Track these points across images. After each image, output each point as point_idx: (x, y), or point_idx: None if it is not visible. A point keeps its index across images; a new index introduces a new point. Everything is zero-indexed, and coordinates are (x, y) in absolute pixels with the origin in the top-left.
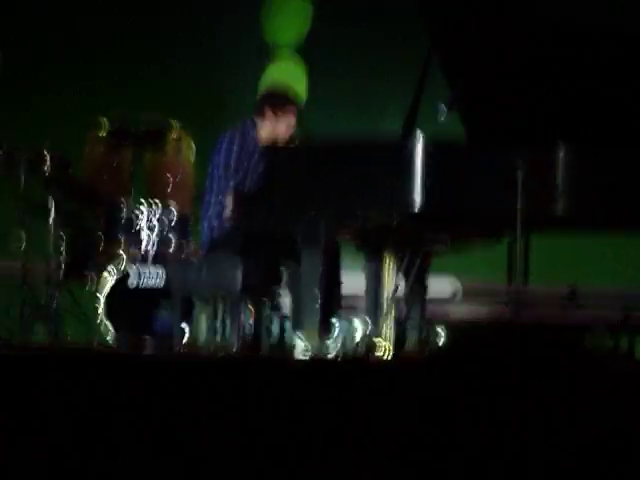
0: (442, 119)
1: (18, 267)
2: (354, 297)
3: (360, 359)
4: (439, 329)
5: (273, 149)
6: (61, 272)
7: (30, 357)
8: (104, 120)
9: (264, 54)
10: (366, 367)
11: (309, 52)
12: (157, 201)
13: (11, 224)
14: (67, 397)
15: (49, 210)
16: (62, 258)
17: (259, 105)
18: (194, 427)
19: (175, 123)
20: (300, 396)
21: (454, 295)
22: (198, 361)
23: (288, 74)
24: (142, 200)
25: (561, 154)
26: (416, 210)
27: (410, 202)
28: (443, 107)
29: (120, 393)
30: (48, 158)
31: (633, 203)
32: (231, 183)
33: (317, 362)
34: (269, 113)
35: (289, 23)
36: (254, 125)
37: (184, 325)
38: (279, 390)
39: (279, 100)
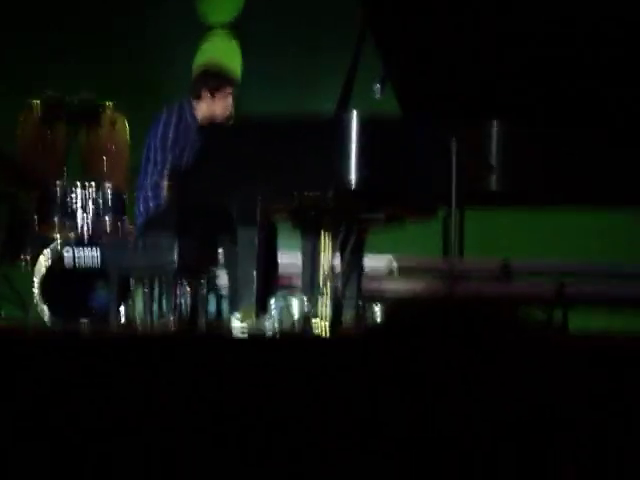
0: (377, 97)
1: None
2: (291, 276)
3: (297, 335)
4: (375, 305)
5: (208, 126)
6: None
7: None
8: (38, 99)
9: (198, 33)
10: (303, 343)
11: (243, 29)
12: (92, 181)
13: None
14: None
15: None
16: None
17: (195, 86)
18: (135, 406)
19: (109, 103)
20: (238, 373)
21: (390, 271)
22: (135, 339)
23: (222, 53)
24: (77, 180)
25: (495, 128)
26: (351, 186)
27: (345, 178)
28: (378, 86)
29: (59, 374)
30: None
31: (566, 179)
32: (168, 157)
33: (255, 338)
34: (205, 94)
35: (222, 1)
36: (191, 105)
37: (120, 306)
38: (217, 367)
39: (215, 80)
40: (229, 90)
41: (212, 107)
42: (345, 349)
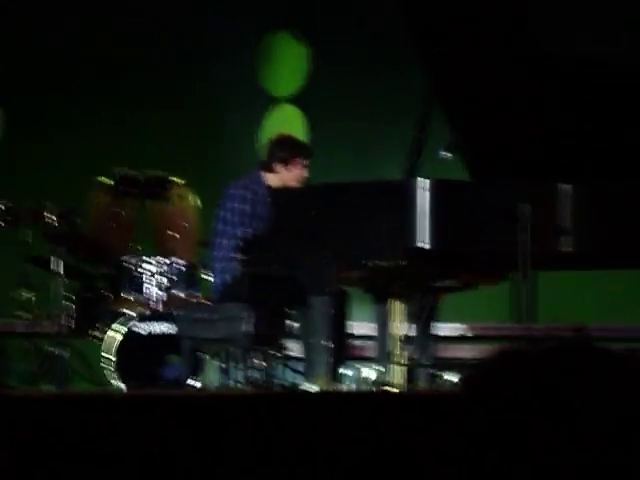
0: (445, 160)
1: (26, 323)
2: (363, 344)
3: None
4: (450, 371)
5: (279, 191)
6: (68, 328)
7: (40, 403)
8: (110, 176)
9: (262, 104)
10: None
11: (307, 97)
12: (163, 255)
13: (18, 280)
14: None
15: (55, 265)
16: (69, 314)
17: (268, 157)
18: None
19: (178, 179)
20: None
21: (461, 337)
22: (213, 400)
23: (288, 125)
24: (148, 255)
25: (565, 189)
26: (423, 252)
27: (417, 243)
28: (445, 153)
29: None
30: (53, 212)
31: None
32: (241, 229)
33: (331, 395)
34: (279, 165)
35: (287, 72)
36: (262, 177)
37: (193, 381)
38: (296, 424)
39: (289, 152)
40: (303, 162)
41: (285, 178)
42: (426, 407)
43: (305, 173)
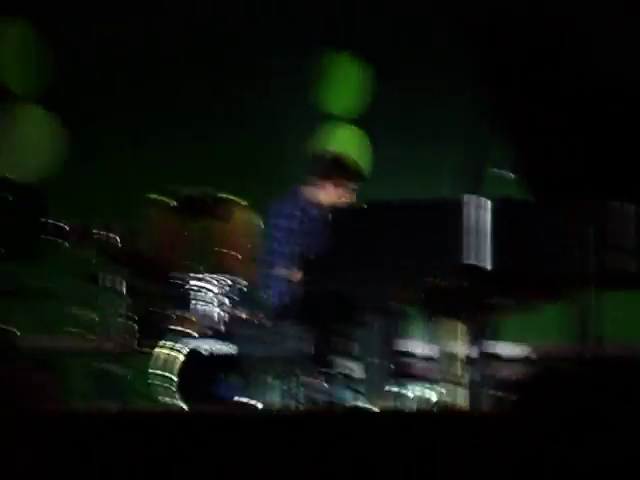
0: (507, 180)
1: (86, 341)
2: (423, 365)
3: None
4: (509, 393)
5: (336, 209)
6: (129, 346)
7: (102, 421)
8: (168, 195)
9: (322, 124)
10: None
11: (368, 117)
12: (221, 274)
13: (79, 298)
14: (144, 458)
15: (116, 284)
16: (129, 332)
17: (315, 174)
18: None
19: (237, 199)
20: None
21: (524, 358)
22: (273, 420)
23: (346, 144)
24: (207, 274)
25: (628, 209)
26: (484, 270)
27: (478, 262)
28: (504, 172)
29: (197, 452)
30: (115, 232)
31: None
32: (292, 247)
33: (391, 414)
34: (324, 182)
35: (346, 92)
36: (310, 193)
37: (253, 401)
38: (356, 443)
39: (335, 170)
40: (350, 182)
41: (330, 196)
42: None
43: (346, 192)
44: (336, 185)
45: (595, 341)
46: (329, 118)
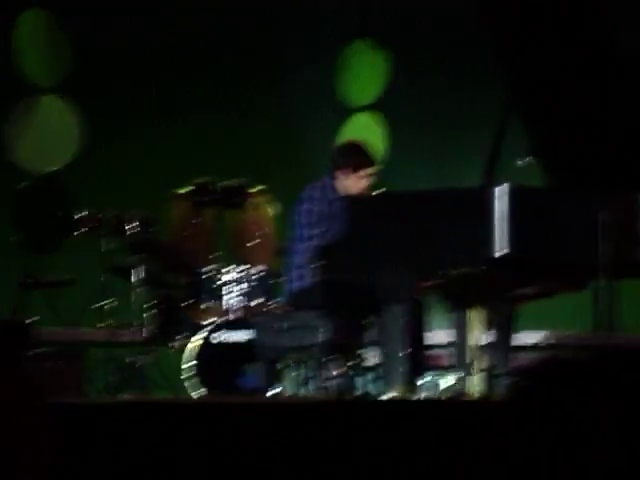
0: (525, 168)
1: (107, 332)
2: (440, 354)
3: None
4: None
5: (357, 199)
6: (149, 337)
7: (120, 410)
8: (188, 186)
9: (342, 111)
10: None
11: (388, 105)
12: (241, 264)
13: (100, 289)
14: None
15: (136, 275)
16: (150, 323)
17: (337, 163)
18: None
19: (256, 188)
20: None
21: (541, 346)
22: (292, 408)
23: (365, 134)
24: (226, 263)
25: None
26: (503, 259)
27: (497, 251)
28: (524, 161)
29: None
30: (135, 219)
31: None
32: (314, 235)
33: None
34: (347, 171)
35: (365, 81)
36: (333, 183)
37: (272, 389)
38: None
39: (354, 159)
40: (369, 170)
41: (353, 184)
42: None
43: (366, 182)
44: (360, 175)
45: (612, 329)
46: (352, 107)
